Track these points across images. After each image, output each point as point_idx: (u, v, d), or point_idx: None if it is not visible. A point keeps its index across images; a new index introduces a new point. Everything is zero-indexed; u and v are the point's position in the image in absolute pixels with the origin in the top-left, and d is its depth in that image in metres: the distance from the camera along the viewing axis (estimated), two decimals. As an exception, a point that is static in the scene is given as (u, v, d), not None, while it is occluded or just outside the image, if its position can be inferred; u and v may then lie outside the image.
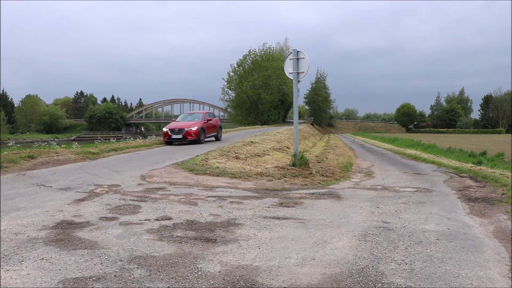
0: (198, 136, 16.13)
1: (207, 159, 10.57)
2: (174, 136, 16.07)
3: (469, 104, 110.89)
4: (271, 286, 2.90)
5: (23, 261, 3.28)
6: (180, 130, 16.12)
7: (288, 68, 9.63)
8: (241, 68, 59.01)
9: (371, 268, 3.29)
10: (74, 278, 2.96)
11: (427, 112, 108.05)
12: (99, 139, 24.41)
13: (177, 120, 18.23)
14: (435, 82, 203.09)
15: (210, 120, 17.73)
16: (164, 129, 16.54)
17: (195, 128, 16.18)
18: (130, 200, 5.76)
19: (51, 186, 6.72)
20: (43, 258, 3.34)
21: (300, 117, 48.41)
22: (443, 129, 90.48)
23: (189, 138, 15.95)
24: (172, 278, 3.01)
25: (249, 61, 58.21)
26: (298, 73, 9.51)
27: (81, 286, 2.82)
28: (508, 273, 3.23)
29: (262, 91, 55.79)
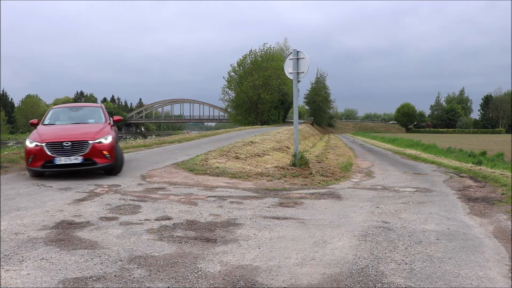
0: (115, 157, 7.95)
1: (207, 159, 10.58)
2: (61, 160, 7.34)
3: (469, 104, 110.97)
4: (271, 286, 2.90)
5: (23, 261, 3.28)
6: (76, 146, 7.48)
7: (288, 68, 9.63)
8: (241, 68, 59.05)
9: (371, 268, 3.29)
10: (74, 278, 2.96)
11: (427, 112, 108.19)
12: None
13: (49, 121, 8.80)
14: (435, 82, 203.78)
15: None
16: (32, 144, 7.49)
17: (109, 139, 7.89)
18: (130, 200, 5.76)
19: (51, 186, 6.72)
20: (43, 258, 3.34)
21: (300, 117, 48.40)
22: (443, 129, 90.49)
23: (100, 162, 7.64)
24: (172, 278, 3.01)
25: (249, 61, 58.25)
26: (298, 73, 9.51)
27: (81, 286, 2.82)
28: (508, 273, 3.23)
29: (262, 91, 55.83)
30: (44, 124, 8.61)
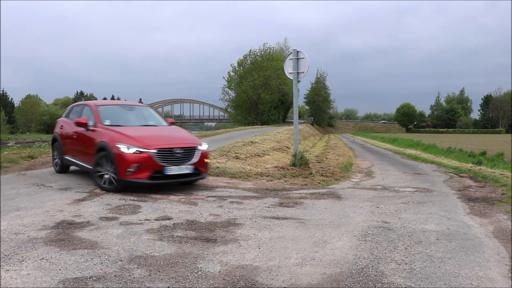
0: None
1: (207, 159, 10.56)
2: (172, 170, 6.34)
3: (469, 104, 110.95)
4: (271, 286, 2.91)
5: (23, 261, 3.28)
6: (186, 153, 6.58)
7: (288, 68, 9.63)
8: (241, 68, 59.05)
9: (371, 268, 3.29)
10: (74, 278, 2.96)
11: (427, 112, 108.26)
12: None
13: (109, 121, 7.18)
14: (435, 82, 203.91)
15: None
16: (131, 149, 6.18)
17: (205, 145, 7.08)
18: (130, 200, 5.76)
19: (51, 186, 6.72)
20: (43, 258, 3.34)
21: (300, 117, 48.43)
22: (443, 129, 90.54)
23: (203, 171, 6.89)
24: (172, 278, 3.01)
25: (249, 61, 58.25)
26: (298, 73, 9.51)
27: (81, 286, 2.82)
28: (508, 273, 3.23)
29: (262, 91, 55.84)
30: (106, 125, 7.01)
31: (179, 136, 7.13)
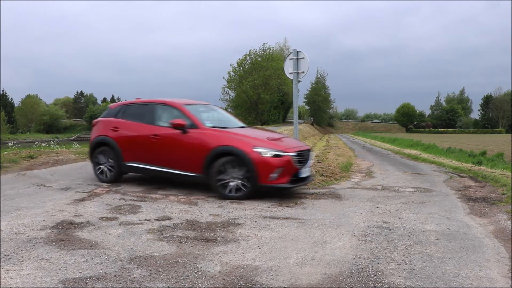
0: None
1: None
2: (302, 173, 6.24)
3: (469, 104, 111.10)
4: (271, 286, 2.91)
5: (23, 261, 3.28)
6: (308, 155, 6.56)
7: (288, 68, 9.63)
8: (241, 68, 59.08)
9: (371, 268, 3.29)
10: (74, 278, 2.96)
11: (427, 112, 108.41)
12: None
13: (210, 123, 6.55)
14: (435, 82, 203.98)
15: None
16: (271, 153, 5.84)
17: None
18: (130, 200, 5.76)
19: (51, 186, 6.72)
20: (43, 258, 3.34)
21: (300, 117, 48.40)
22: (443, 129, 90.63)
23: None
24: (172, 278, 3.01)
25: (249, 61, 58.29)
26: (298, 73, 9.51)
27: (81, 286, 2.83)
28: (508, 273, 3.23)
29: (262, 91, 55.86)
30: (210, 127, 6.37)
31: (288, 138, 6.90)
